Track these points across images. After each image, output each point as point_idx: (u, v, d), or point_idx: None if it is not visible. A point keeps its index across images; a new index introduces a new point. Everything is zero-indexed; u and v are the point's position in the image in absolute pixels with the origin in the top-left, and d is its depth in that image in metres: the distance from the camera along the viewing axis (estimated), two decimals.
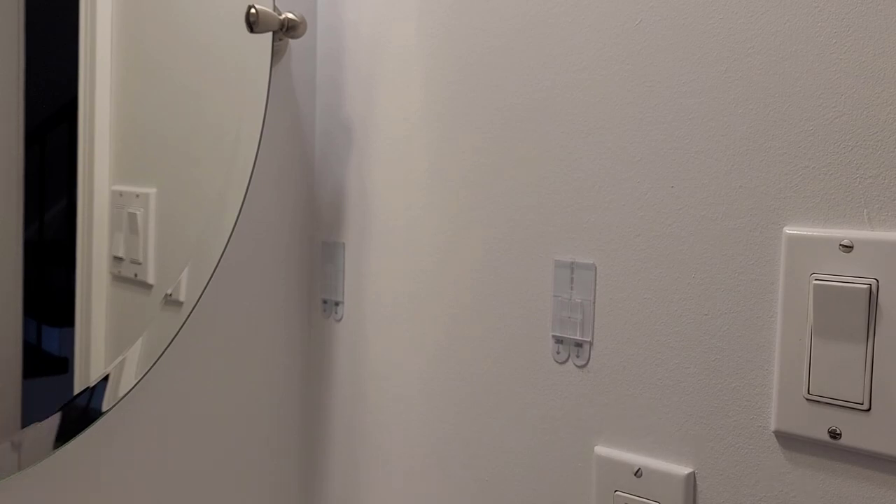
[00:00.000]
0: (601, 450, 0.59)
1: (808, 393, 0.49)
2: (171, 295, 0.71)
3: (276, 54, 0.74)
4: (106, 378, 0.68)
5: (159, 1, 0.86)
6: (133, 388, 0.69)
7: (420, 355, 0.73)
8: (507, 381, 0.66)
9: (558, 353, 0.62)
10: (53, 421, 0.67)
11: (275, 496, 0.82)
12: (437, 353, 0.71)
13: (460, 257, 0.69)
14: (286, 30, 0.73)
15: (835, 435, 0.48)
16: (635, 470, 0.57)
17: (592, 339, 0.60)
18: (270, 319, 0.81)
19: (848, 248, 0.47)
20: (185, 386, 0.76)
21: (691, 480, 0.55)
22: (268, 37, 0.72)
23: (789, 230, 0.50)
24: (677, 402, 0.56)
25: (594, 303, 0.60)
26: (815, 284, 0.48)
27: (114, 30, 0.85)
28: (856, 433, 0.47)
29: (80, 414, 0.68)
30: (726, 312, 0.53)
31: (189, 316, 0.71)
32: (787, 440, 0.51)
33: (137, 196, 0.86)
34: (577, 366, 0.61)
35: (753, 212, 0.52)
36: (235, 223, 0.73)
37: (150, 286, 0.71)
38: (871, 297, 0.46)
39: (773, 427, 0.51)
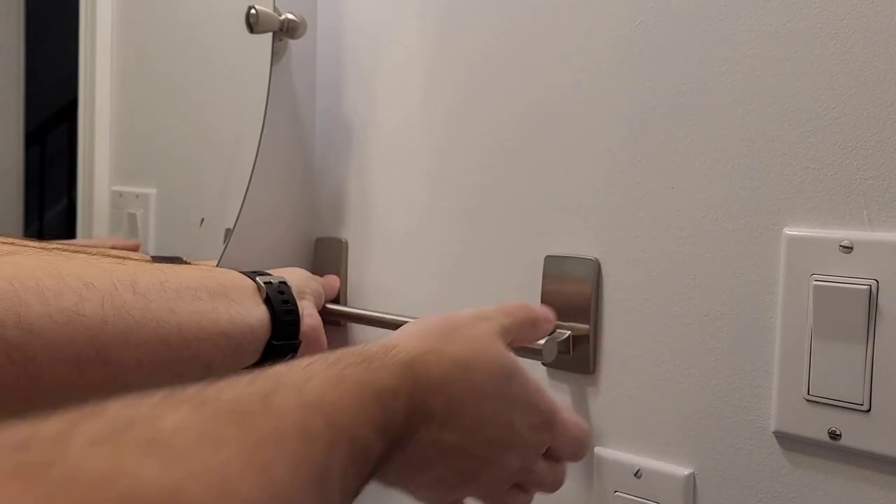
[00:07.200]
0: (601, 450, 0.59)
1: (808, 394, 0.49)
2: None
3: (277, 55, 0.74)
4: None
5: (159, 1, 0.87)
6: None
7: None
8: None
9: None
10: None
11: None
12: None
13: (461, 258, 0.69)
14: (286, 30, 0.73)
15: (835, 436, 0.48)
16: (635, 470, 0.57)
17: None
18: None
19: (848, 248, 0.47)
20: None
21: (691, 481, 0.55)
22: (268, 37, 0.72)
23: (789, 231, 0.50)
24: (677, 402, 0.56)
25: None
26: (815, 285, 0.48)
27: (114, 30, 0.85)
28: (856, 434, 0.47)
29: None
30: (726, 313, 0.53)
31: None
32: (787, 441, 0.51)
33: (137, 196, 0.86)
34: None
35: (753, 213, 0.52)
36: (235, 223, 0.73)
37: None
38: (871, 297, 0.46)
39: (773, 428, 0.51)
